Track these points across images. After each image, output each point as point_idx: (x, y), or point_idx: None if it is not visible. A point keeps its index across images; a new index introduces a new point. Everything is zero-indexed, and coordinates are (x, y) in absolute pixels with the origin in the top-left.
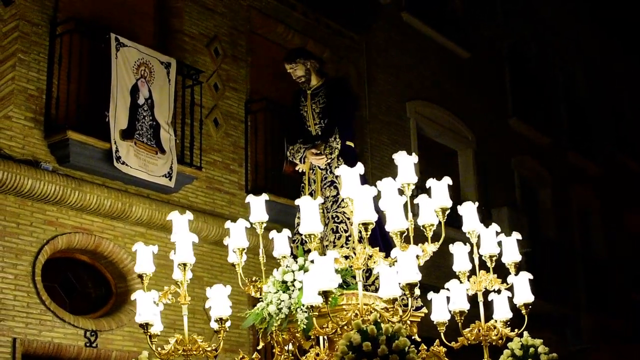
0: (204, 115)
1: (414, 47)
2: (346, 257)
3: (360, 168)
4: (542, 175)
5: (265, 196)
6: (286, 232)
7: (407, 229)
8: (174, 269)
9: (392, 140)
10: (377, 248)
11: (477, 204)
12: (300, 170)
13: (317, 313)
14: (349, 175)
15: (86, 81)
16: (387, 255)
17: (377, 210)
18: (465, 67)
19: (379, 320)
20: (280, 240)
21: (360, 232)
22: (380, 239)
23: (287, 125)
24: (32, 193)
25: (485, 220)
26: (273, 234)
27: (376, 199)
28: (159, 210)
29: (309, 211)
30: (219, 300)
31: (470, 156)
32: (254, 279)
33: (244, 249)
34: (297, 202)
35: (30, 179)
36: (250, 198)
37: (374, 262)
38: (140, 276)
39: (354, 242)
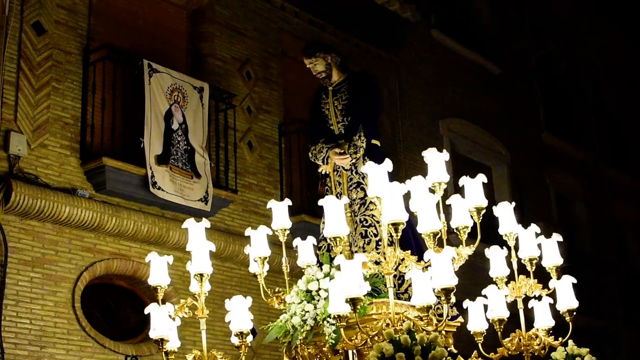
0: (238, 138)
1: (444, 64)
2: (376, 263)
3: (388, 164)
4: (576, 189)
5: (288, 201)
6: (311, 240)
7: (440, 231)
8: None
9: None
10: (409, 251)
11: (513, 203)
12: (323, 172)
13: (344, 323)
14: (376, 173)
15: (120, 108)
16: (420, 260)
17: (408, 212)
18: (496, 82)
19: (412, 329)
20: (305, 248)
21: (390, 234)
22: (413, 243)
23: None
24: (69, 220)
25: None
26: (297, 241)
27: (406, 200)
28: None
29: (334, 212)
30: (239, 313)
31: (504, 172)
32: (277, 290)
33: (266, 257)
34: (320, 202)
35: (68, 207)
36: (272, 203)
37: (406, 267)
38: (155, 288)
39: (384, 246)
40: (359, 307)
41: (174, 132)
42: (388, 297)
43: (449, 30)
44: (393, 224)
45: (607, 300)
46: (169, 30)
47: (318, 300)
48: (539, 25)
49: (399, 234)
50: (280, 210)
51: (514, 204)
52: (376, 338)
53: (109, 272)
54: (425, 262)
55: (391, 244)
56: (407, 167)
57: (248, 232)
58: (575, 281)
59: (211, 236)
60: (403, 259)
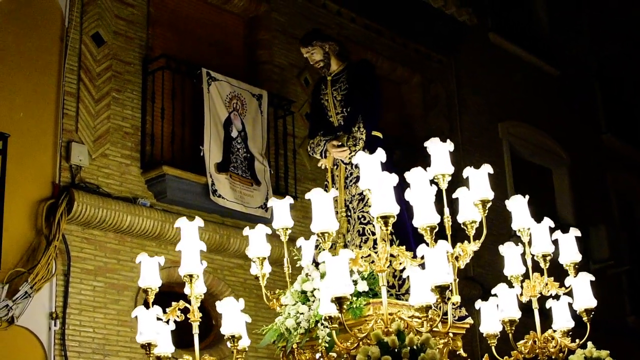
0: (297, 145)
1: (502, 67)
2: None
3: (381, 155)
4: (638, 190)
5: (289, 199)
6: (315, 238)
7: (445, 227)
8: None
9: (485, 162)
10: (404, 247)
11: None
12: (322, 167)
13: (336, 325)
14: (369, 164)
15: (180, 116)
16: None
17: (409, 206)
18: (554, 84)
19: (403, 330)
20: (309, 249)
21: (390, 231)
22: (413, 241)
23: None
24: (131, 229)
25: (584, 239)
26: (301, 241)
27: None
28: None
29: (322, 206)
30: (230, 317)
31: (565, 174)
32: (276, 292)
33: (265, 258)
34: (307, 195)
35: (129, 216)
36: (273, 201)
37: (400, 264)
38: (145, 291)
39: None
40: (353, 307)
41: (233, 140)
42: (387, 297)
43: (507, 33)
44: (382, 217)
45: None
46: (227, 38)
47: (313, 302)
48: (598, 25)
49: (389, 228)
50: (281, 209)
51: (527, 197)
52: (367, 340)
53: (171, 280)
54: (419, 259)
55: (391, 242)
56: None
57: (246, 231)
58: (593, 278)
59: (272, 243)
60: (396, 256)
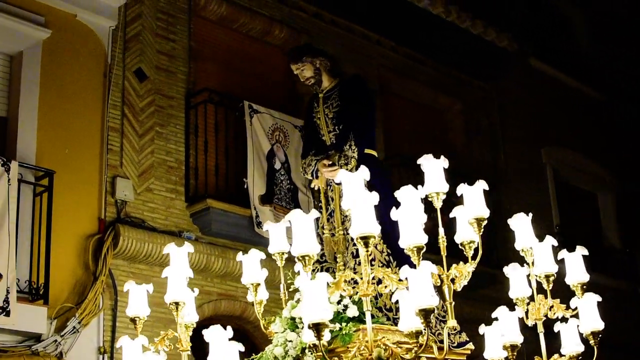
0: None
1: (544, 92)
2: (354, 283)
3: (364, 172)
4: None
5: (286, 222)
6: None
7: (440, 248)
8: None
9: (529, 187)
10: (389, 269)
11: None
12: (315, 188)
13: (319, 354)
14: (351, 182)
15: (223, 149)
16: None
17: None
18: (597, 107)
19: (384, 357)
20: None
21: (383, 253)
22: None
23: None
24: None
25: (630, 263)
26: (299, 266)
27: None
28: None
29: (302, 227)
30: (217, 346)
31: (610, 198)
32: (274, 320)
33: (259, 284)
34: (287, 217)
35: None
36: (269, 225)
37: (385, 287)
38: (133, 320)
39: (380, 266)
40: (342, 333)
41: (276, 172)
42: (380, 322)
43: (547, 58)
44: (362, 238)
45: None
46: (268, 70)
47: (302, 328)
48: None
49: (370, 249)
50: (277, 233)
51: (530, 215)
52: None
53: (217, 313)
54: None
55: (388, 265)
56: (510, 198)
57: (239, 257)
58: (599, 299)
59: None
60: (380, 281)
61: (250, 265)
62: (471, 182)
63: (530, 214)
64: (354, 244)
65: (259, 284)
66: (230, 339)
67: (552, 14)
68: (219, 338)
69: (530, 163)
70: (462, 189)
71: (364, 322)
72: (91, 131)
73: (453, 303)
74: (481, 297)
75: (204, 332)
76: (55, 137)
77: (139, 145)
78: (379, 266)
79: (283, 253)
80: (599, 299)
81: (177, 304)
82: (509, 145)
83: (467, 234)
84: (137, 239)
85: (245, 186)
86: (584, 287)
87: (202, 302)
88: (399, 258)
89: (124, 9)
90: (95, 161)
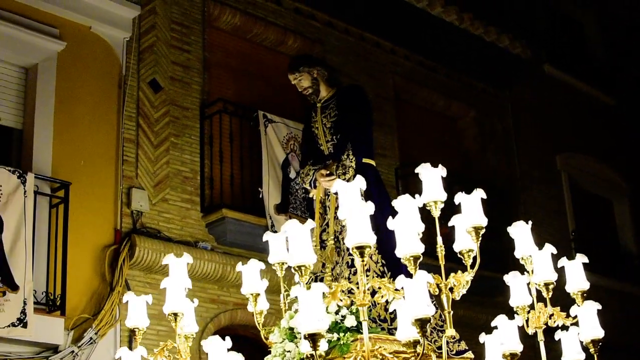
0: None
1: (559, 98)
2: (350, 292)
3: (360, 182)
4: None
5: (285, 233)
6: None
7: (438, 257)
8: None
9: (544, 194)
10: (385, 279)
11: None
12: (313, 197)
13: None
14: (347, 192)
15: (238, 159)
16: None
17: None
18: (612, 113)
19: None
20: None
21: (378, 263)
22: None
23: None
24: (192, 273)
25: None
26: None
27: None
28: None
29: (299, 238)
30: (216, 356)
31: (626, 204)
32: (273, 330)
33: (259, 294)
34: (282, 227)
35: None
36: (268, 235)
37: (382, 297)
38: (133, 331)
39: (374, 277)
40: (340, 343)
41: (291, 181)
42: (378, 332)
43: (561, 64)
44: (358, 248)
45: None
46: (282, 79)
47: (300, 339)
48: None
49: (365, 259)
50: (277, 243)
51: (530, 222)
52: None
53: (233, 323)
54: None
55: (383, 275)
56: (526, 205)
57: (239, 267)
58: (599, 307)
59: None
60: (374, 292)
61: (250, 276)
62: (486, 190)
63: (530, 222)
64: (349, 254)
65: (258, 294)
66: (233, 349)
67: (565, 21)
68: (218, 349)
69: (546, 170)
70: (459, 197)
71: (361, 332)
72: (106, 142)
73: (452, 312)
74: (495, 305)
75: (202, 342)
76: (70, 148)
77: (154, 156)
78: (373, 277)
79: (283, 263)
80: (599, 307)
81: (175, 314)
82: (524, 152)
83: (466, 243)
84: (153, 249)
85: (261, 195)
86: (584, 294)
87: (219, 312)
88: (394, 269)
89: (138, 20)
90: (110, 172)
